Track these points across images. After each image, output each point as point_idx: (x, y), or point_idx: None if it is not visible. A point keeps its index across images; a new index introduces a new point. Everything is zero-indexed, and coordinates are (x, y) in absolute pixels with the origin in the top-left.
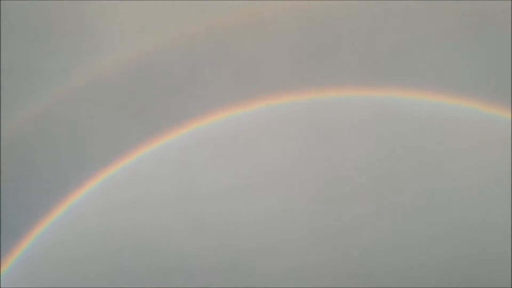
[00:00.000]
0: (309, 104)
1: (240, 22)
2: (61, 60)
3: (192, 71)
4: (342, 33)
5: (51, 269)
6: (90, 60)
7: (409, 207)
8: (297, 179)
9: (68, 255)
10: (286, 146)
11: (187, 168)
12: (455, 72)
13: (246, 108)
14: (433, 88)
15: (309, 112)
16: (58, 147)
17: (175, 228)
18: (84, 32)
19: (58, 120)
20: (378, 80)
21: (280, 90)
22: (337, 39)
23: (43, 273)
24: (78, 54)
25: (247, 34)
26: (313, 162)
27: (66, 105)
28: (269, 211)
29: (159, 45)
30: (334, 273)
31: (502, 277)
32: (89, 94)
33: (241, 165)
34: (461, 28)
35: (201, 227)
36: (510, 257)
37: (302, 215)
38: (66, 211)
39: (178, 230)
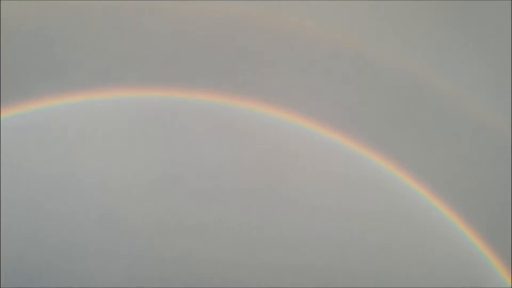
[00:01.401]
0: (158, 102)
1: (109, 19)
2: None
3: (61, 61)
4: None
5: None
6: None
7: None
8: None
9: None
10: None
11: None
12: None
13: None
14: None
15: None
16: None
17: None
18: None
19: None
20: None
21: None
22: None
23: None
24: None
25: (114, 31)
26: (149, 160)
27: None
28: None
29: None
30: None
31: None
32: None
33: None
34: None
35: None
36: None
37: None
38: None
39: None
